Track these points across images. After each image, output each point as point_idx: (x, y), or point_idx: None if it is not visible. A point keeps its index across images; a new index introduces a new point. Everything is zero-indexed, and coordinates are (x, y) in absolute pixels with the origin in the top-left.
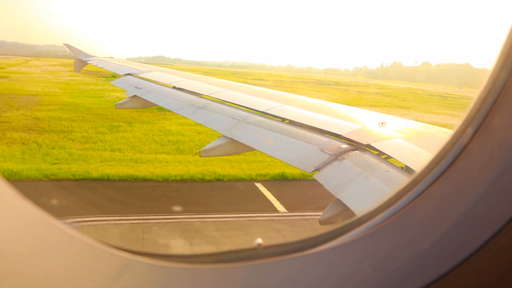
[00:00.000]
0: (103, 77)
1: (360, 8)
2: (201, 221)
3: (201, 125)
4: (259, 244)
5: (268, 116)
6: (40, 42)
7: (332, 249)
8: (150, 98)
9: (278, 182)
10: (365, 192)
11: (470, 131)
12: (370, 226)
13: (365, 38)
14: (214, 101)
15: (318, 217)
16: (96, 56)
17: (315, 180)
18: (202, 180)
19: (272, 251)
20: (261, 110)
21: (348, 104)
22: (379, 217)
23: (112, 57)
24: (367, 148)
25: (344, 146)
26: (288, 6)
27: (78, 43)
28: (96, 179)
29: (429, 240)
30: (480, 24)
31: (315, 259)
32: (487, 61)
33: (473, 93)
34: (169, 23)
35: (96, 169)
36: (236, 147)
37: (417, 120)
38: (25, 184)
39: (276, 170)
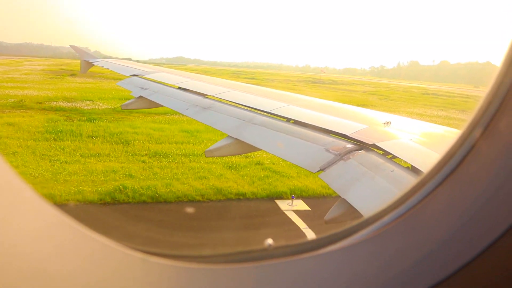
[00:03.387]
0: (71, 75)
1: (379, 7)
2: None
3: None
4: (270, 245)
5: (273, 116)
6: (65, 44)
7: (341, 249)
8: (155, 98)
9: None
10: (370, 191)
11: (477, 132)
12: (379, 226)
13: (383, 37)
14: (219, 101)
15: None
16: (99, 58)
17: None
18: None
19: (282, 252)
20: (266, 110)
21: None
22: (387, 218)
23: (130, 59)
24: (373, 147)
25: (350, 146)
26: (308, 7)
27: (102, 45)
28: None
29: (437, 241)
30: (501, 21)
31: (325, 259)
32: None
33: (475, 92)
34: (190, 25)
35: None
36: (241, 147)
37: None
38: None
39: None
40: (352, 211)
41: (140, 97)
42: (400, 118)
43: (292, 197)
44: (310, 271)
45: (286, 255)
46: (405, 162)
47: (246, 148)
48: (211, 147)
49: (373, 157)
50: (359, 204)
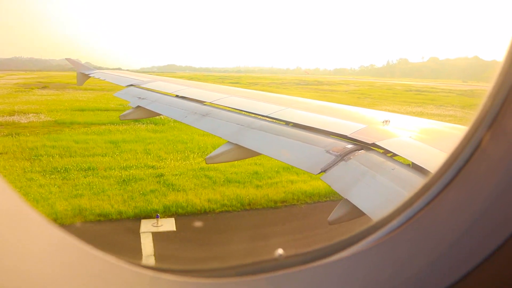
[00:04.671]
0: (42, 87)
1: (367, 6)
2: None
3: None
4: (280, 255)
5: (272, 120)
6: (55, 57)
7: (351, 256)
8: (153, 108)
9: None
10: (372, 190)
11: (482, 131)
12: (388, 231)
13: (372, 36)
14: (217, 107)
15: None
16: (99, 69)
17: None
18: None
19: (293, 261)
20: (265, 114)
21: None
22: (395, 222)
23: (120, 68)
24: (373, 147)
25: (350, 146)
26: (296, 10)
27: (92, 56)
28: None
29: (447, 243)
30: (487, 15)
31: (336, 266)
32: (496, 53)
33: (461, 86)
34: (180, 32)
35: None
36: (242, 153)
37: None
38: None
39: None
40: (355, 211)
41: (138, 107)
42: (399, 116)
43: (157, 216)
44: (322, 279)
45: (296, 265)
46: (406, 159)
47: (246, 153)
48: (212, 154)
49: (373, 156)
50: (361, 203)
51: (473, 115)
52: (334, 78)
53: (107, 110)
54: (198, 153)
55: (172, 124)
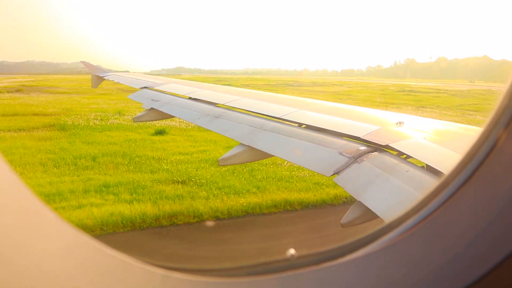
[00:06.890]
0: (16, 91)
1: (374, 7)
2: None
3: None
4: (292, 255)
5: (285, 121)
6: (66, 60)
7: (364, 256)
8: (166, 109)
9: None
10: (386, 193)
11: (499, 130)
12: (401, 231)
13: (379, 37)
14: (230, 109)
15: None
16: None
17: None
18: None
19: (305, 261)
20: (277, 116)
21: None
22: (409, 222)
23: (127, 71)
24: (386, 148)
25: (363, 148)
26: (305, 11)
27: (100, 58)
28: None
29: (462, 244)
30: (498, 13)
31: (348, 267)
32: (507, 52)
33: (466, 86)
34: (189, 35)
35: None
36: (254, 154)
37: None
38: None
39: None
40: (368, 214)
41: (152, 109)
42: (413, 117)
43: None
44: (334, 279)
45: (309, 265)
46: (420, 161)
47: (258, 155)
48: (224, 156)
49: (387, 158)
50: (375, 205)
51: (489, 114)
52: (332, 79)
53: (45, 115)
54: (48, 166)
55: (75, 130)
